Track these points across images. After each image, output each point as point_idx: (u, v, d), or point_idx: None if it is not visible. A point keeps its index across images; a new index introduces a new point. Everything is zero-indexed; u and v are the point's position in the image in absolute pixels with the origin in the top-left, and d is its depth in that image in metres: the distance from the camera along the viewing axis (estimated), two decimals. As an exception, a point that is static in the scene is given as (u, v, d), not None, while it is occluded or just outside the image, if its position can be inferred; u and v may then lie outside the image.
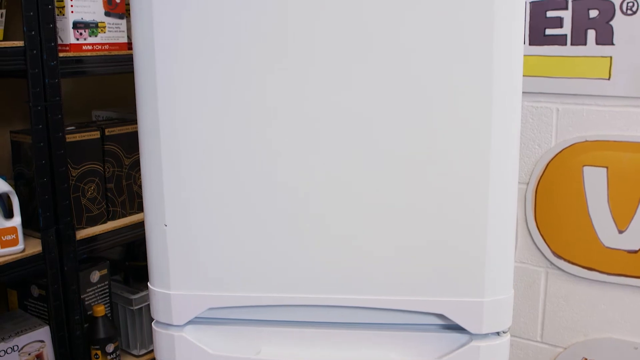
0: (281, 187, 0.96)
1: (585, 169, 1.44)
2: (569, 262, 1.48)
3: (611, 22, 1.37)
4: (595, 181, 1.44)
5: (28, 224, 1.38)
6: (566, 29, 1.42)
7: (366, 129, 0.94)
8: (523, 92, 1.47)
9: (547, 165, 1.48)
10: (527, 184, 1.51)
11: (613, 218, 1.43)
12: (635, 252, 1.40)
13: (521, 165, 1.50)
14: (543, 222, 1.51)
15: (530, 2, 1.45)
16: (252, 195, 0.97)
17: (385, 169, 0.95)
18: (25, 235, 1.35)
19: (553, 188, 1.49)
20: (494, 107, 0.93)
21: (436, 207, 0.96)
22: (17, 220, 1.31)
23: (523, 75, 1.45)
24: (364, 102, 0.93)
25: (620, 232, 1.42)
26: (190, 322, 1.04)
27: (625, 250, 1.42)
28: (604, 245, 1.44)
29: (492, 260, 0.97)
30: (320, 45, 0.92)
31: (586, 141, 1.44)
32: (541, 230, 1.51)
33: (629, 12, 1.35)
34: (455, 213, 0.96)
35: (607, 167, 1.42)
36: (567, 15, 1.42)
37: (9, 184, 1.35)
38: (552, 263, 1.50)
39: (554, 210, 1.49)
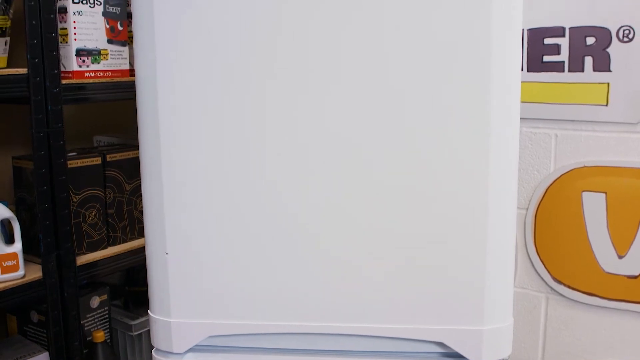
0: (282, 216, 0.97)
1: (584, 194, 1.45)
2: (569, 287, 1.48)
3: (608, 49, 1.39)
4: (594, 206, 1.44)
5: (29, 250, 1.38)
6: (564, 56, 1.44)
7: (366, 158, 0.94)
8: (522, 118, 1.48)
9: (547, 190, 1.49)
10: (527, 209, 1.51)
11: (613, 243, 1.43)
12: (635, 277, 1.40)
13: (520, 190, 1.51)
14: (543, 248, 1.51)
15: (527, 30, 1.47)
16: (254, 224, 0.97)
17: (385, 196, 0.95)
18: (25, 260, 1.35)
19: (552, 213, 1.49)
20: (492, 133, 0.93)
21: (435, 234, 0.96)
22: (17, 246, 1.32)
23: (522, 102, 1.47)
24: (364, 132, 0.94)
25: (620, 257, 1.43)
26: (190, 350, 1.04)
27: (625, 276, 1.42)
28: (604, 270, 1.45)
29: (491, 288, 0.97)
30: (318, 81, 0.93)
31: (585, 167, 1.45)
32: (541, 256, 1.51)
33: (625, 39, 1.37)
34: (455, 240, 0.96)
35: (605, 193, 1.43)
36: (564, 42, 1.43)
37: (10, 210, 1.36)
38: (552, 288, 1.50)
39: (554, 235, 1.49)
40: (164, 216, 0.99)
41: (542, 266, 1.51)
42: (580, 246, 1.46)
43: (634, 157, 1.39)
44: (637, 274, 1.40)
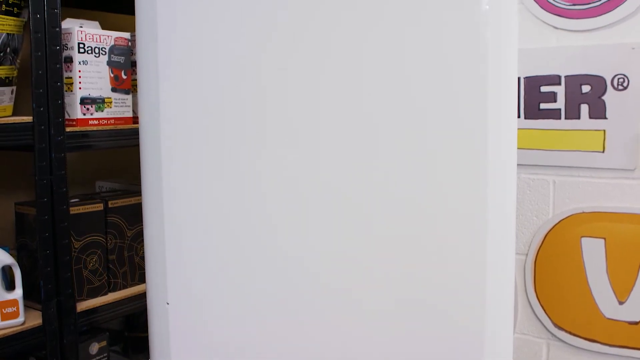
0: (285, 268, 0.97)
1: (584, 240, 1.46)
2: (570, 333, 1.48)
3: (603, 97, 1.41)
4: (593, 252, 1.45)
5: (29, 296, 1.38)
6: (560, 104, 1.46)
7: (364, 208, 0.95)
8: (520, 165, 1.50)
9: (546, 236, 1.49)
10: (526, 254, 1.52)
11: (613, 289, 1.43)
12: (636, 323, 1.40)
13: (520, 236, 1.52)
14: (543, 293, 1.51)
15: (524, 78, 1.50)
16: (256, 275, 0.98)
17: (382, 243, 0.96)
18: (25, 306, 1.35)
19: (552, 259, 1.50)
20: (489, 179, 0.94)
21: (433, 279, 0.96)
22: (18, 293, 1.32)
23: (520, 148, 1.49)
24: (360, 182, 0.95)
25: (621, 303, 1.43)
26: (190, 399, 1.03)
27: (626, 322, 1.42)
28: (604, 316, 1.44)
29: (491, 334, 0.97)
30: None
31: (583, 212, 1.46)
32: (541, 301, 1.51)
33: (620, 87, 1.40)
34: (453, 286, 0.96)
35: (604, 239, 1.44)
36: (560, 90, 1.46)
37: (12, 255, 1.36)
38: (553, 334, 1.49)
39: (554, 281, 1.49)
40: (165, 265, 0.99)
41: (543, 312, 1.51)
42: (580, 292, 1.46)
43: (632, 203, 1.40)
44: (638, 320, 1.40)
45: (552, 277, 1.50)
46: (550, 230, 1.49)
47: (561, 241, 1.48)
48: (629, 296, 1.42)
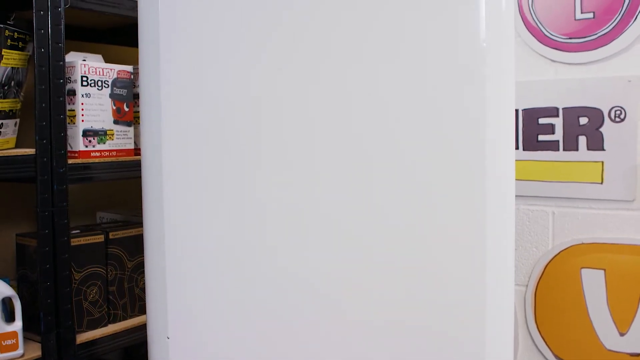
0: (285, 303, 0.98)
1: (583, 271, 1.46)
2: (571, 365, 1.48)
3: (601, 129, 1.43)
4: (593, 283, 1.45)
5: (28, 327, 1.38)
6: (558, 135, 1.48)
7: (363, 239, 0.96)
8: (519, 196, 1.51)
9: (546, 267, 1.50)
10: (527, 286, 1.52)
11: (613, 320, 1.43)
12: (637, 355, 1.40)
13: (520, 267, 1.52)
14: (544, 324, 1.51)
15: (522, 110, 1.51)
16: (258, 310, 0.98)
17: (381, 277, 0.96)
18: (25, 338, 1.34)
19: (552, 290, 1.50)
20: (488, 211, 0.95)
21: (433, 311, 0.96)
22: (18, 325, 1.32)
23: (518, 179, 1.50)
24: (358, 213, 0.95)
25: (622, 334, 1.42)
26: None
27: (627, 353, 1.41)
28: (605, 347, 1.44)
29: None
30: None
31: (582, 243, 1.46)
32: (542, 333, 1.51)
33: (617, 119, 1.41)
34: (453, 318, 0.96)
35: (604, 270, 1.44)
36: (558, 122, 1.47)
37: (12, 286, 1.36)
38: (554, 366, 1.49)
39: (555, 312, 1.49)
40: (166, 298, 0.99)
41: (544, 343, 1.50)
42: (581, 323, 1.46)
43: (631, 234, 1.41)
44: (639, 351, 1.40)
45: (553, 308, 1.49)
46: (550, 261, 1.49)
47: (561, 272, 1.48)
48: (630, 327, 1.41)
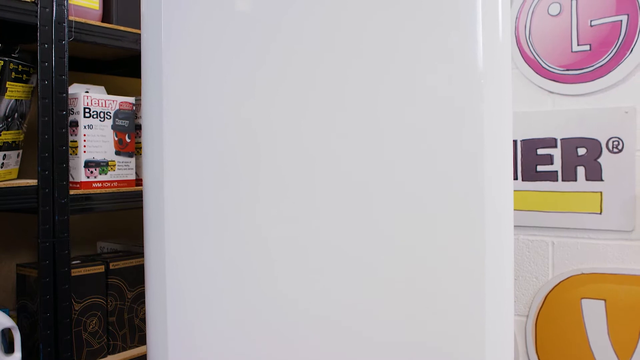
0: (287, 333, 0.98)
1: (584, 301, 1.46)
2: (573, 396, 1.47)
3: (599, 160, 1.44)
4: (594, 314, 1.45)
5: (28, 358, 1.37)
6: (557, 166, 1.49)
7: (364, 276, 0.96)
8: (519, 226, 1.51)
9: (546, 297, 1.50)
10: (527, 316, 1.51)
11: (615, 351, 1.43)
12: (640, 387, 1.39)
13: (520, 297, 1.52)
14: (544, 355, 1.50)
15: (521, 141, 1.53)
16: (259, 338, 0.98)
17: (383, 303, 0.96)
18: (24, 370, 1.34)
19: (553, 320, 1.49)
20: (486, 241, 0.95)
21: (432, 341, 0.96)
22: (17, 356, 1.31)
23: (518, 210, 1.50)
24: (359, 239, 0.96)
25: (623, 365, 1.42)
26: None
27: (629, 385, 1.41)
28: (607, 379, 1.43)
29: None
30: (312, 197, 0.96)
31: (582, 274, 1.46)
32: (543, 364, 1.51)
33: (615, 150, 1.42)
34: (452, 348, 0.96)
35: (605, 300, 1.44)
36: (556, 153, 1.48)
37: (12, 316, 1.36)
38: (556, 398, 1.48)
39: (555, 342, 1.49)
40: (167, 330, 0.99)
41: (545, 374, 1.50)
42: (582, 353, 1.46)
43: (631, 264, 1.41)
44: (641, 383, 1.39)
45: (553, 338, 1.49)
46: (550, 291, 1.49)
47: (561, 302, 1.48)
48: (632, 358, 1.41)
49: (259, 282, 0.98)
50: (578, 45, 1.47)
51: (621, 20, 1.42)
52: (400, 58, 0.94)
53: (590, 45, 1.46)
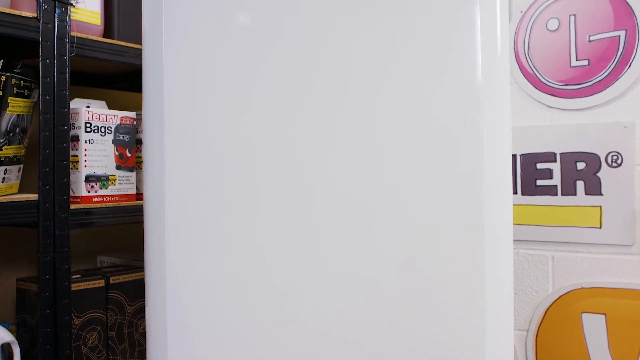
0: (289, 346, 0.98)
1: (584, 315, 1.46)
2: (574, 411, 1.46)
3: (598, 174, 1.44)
4: (594, 328, 1.45)
5: (27, 373, 1.37)
6: (556, 180, 1.49)
7: (364, 290, 0.96)
8: (519, 240, 1.51)
9: (546, 311, 1.49)
10: (527, 330, 1.51)
11: (615, 365, 1.43)
12: (641, 401, 1.39)
13: (520, 311, 1.52)
14: (545, 370, 1.50)
15: (521, 155, 1.53)
16: (259, 351, 0.98)
17: (382, 314, 0.96)
18: (23, 385, 1.34)
19: (553, 334, 1.49)
20: (486, 256, 0.95)
21: (432, 357, 0.96)
22: (17, 371, 1.31)
23: (518, 224, 1.51)
24: (359, 252, 0.96)
25: (624, 380, 1.42)
26: None
27: (630, 400, 1.40)
28: (608, 393, 1.43)
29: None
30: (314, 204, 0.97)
31: (583, 288, 1.46)
32: (544, 378, 1.50)
33: (614, 164, 1.43)
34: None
35: (605, 314, 1.44)
36: (556, 167, 1.49)
37: (11, 330, 1.36)
38: (557, 413, 1.48)
39: (556, 356, 1.48)
40: (167, 345, 0.99)
41: (546, 389, 1.49)
42: (583, 369, 1.45)
43: (631, 278, 1.41)
44: (642, 398, 1.39)
45: (554, 353, 1.49)
46: (551, 305, 1.49)
47: (562, 317, 1.48)
48: (632, 373, 1.41)
49: (261, 297, 0.98)
50: (577, 60, 1.48)
51: (619, 36, 1.43)
52: (398, 74, 0.95)
53: (588, 60, 1.47)
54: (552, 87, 1.50)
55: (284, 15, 0.98)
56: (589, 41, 1.46)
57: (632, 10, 1.42)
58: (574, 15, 1.48)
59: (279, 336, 0.98)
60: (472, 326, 0.95)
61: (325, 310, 0.97)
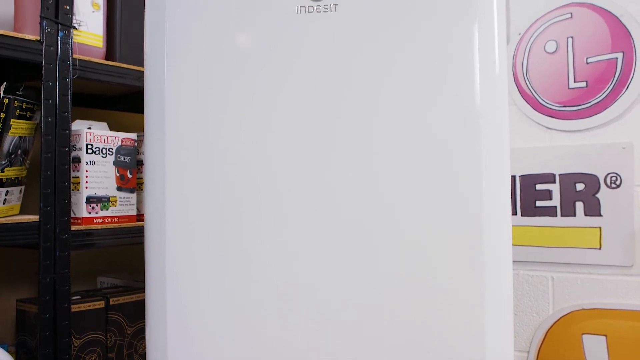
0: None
1: (585, 337, 1.45)
2: None
3: (597, 195, 1.45)
4: (595, 349, 1.44)
5: (26, 395, 1.36)
6: (555, 201, 1.49)
7: (365, 312, 0.96)
8: (518, 261, 1.51)
9: (547, 333, 1.49)
10: (528, 352, 1.51)
11: (617, 387, 1.42)
12: None
13: (520, 333, 1.51)
14: (546, 392, 1.49)
15: (520, 176, 1.54)
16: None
17: (384, 341, 0.96)
18: (22, 407, 1.33)
19: (554, 356, 1.49)
20: (485, 277, 0.96)
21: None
22: (16, 393, 1.31)
23: (518, 245, 1.51)
24: (362, 283, 0.96)
25: (626, 402, 1.41)
26: None
27: (632, 422, 1.39)
28: (610, 416, 1.42)
29: None
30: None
31: (583, 309, 1.46)
32: (545, 400, 1.49)
33: (613, 185, 1.43)
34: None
35: (606, 336, 1.43)
36: (555, 188, 1.49)
37: (11, 352, 1.35)
38: None
39: (557, 379, 1.48)
40: (167, 368, 0.99)
41: (547, 411, 1.49)
42: (584, 390, 1.45)
43: (632, 299, 1.41)
44: (644, 420, 1.38)
45: (555, 375, 1.48)
46: (551, 327, 1.49)
47: (562, 338, 1.48)
48: (634, 395, 1.40)
49: (265, 321, 0.98)
50: (575, 82, 1.49)
51: (617, 58, 1.44)
52: (395, 96, 0.96)
53: (586, 82, 1.48)
54: (550, 108, 1.51)
55: (276, 43, 0.99)
56: (587, 63, 1.48)
57: (629, 33, 1.43)
58: (572, 37, 1.50)
59: (284, 353, 0.98)
60: (473, 347, 0.95)
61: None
